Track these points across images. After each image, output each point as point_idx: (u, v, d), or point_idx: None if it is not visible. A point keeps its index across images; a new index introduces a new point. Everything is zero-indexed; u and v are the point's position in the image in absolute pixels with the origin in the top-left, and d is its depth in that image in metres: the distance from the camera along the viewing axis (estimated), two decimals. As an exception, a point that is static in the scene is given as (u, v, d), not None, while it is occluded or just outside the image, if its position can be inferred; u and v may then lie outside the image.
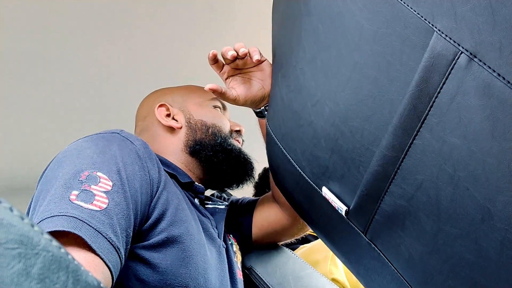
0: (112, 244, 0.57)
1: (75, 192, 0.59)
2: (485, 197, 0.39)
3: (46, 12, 1.32)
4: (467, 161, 0.40)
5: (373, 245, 0.56)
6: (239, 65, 0.88)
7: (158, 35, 1.50)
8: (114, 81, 1.69)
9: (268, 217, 1.06)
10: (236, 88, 0.88)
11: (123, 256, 0.60)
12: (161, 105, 1.00)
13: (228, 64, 0.88)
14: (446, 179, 0.42)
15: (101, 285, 0.26)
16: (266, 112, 0.90)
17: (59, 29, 1.40)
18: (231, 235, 1.03)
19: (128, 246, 0.64)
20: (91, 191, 0.60)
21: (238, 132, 1.05)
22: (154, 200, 0.73)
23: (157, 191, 0.74)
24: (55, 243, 0.23)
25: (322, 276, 1.03)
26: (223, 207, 0.99)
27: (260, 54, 0.85)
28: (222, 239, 0.90)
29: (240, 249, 1.05)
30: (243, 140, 1.07)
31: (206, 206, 0.96)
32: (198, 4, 1.38)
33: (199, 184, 0.95)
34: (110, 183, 0.63)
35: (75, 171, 0.63)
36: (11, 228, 0.21)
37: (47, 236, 0.23)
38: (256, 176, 1.04)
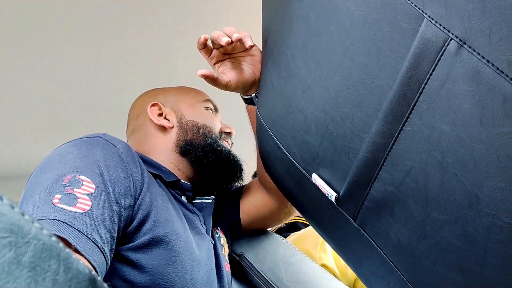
0: (96, 245, 0.57)
1: (58, 196, 0.59)
2: (473, 182, 0.39)
3: (42, 7, 1.30)
4: (456, 147, 0.40)
5: (363, 231, 0.57)
6: (228, 50, 0.87)
7: (154, 32, 1.49)
8: (109, 77, 1.68)
9: (255, 202, 1.07)
10: (226, 73, 0.87)
11: (108, 257, 0.61)
12: (153, 104, 1.00)
13: (217, 49, 0.88)
14: (435, 165, 0.42)
15: (92, 272, 0.26)
16: (256, 99, 0.89)
17: (55, 25, 1.38)
18: (218, 228, 1.04)
19: (113, 247, 0.64)
20: (74, 194, 0.60)
21: (228, 134, 1.06)
22: (137, 202, 0.73)
23: (140, 193, 0.75)
24: (45, 231, 0.23)
25: (312, 261, 1.04)
26: (210, 201, 1.00)
27: (251, 39, 0.84)
28: (210, 235, 0.91)
29: (228, 241, 1.06)
30: (232, 143, 1.08)
31: (193, 201, 0.97)
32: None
33: (185, 182, 0.95)
34: (93, 186, 0.64)
35: (57, 175, 0.63)
36: (1, 217, 0.21)
37: (38, 225, 0.23)
38: (245, 178, 1.04)
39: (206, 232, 0.90)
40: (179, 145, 0.96)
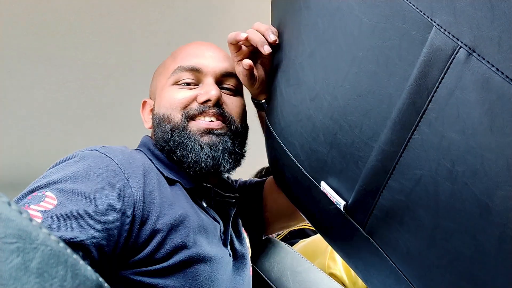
0: None
1: None
2: (484, 192, 0.39)
3: (46, 9, 1.32)
4: (466, 156, 0.40)
5: (372, 240, 0.56)
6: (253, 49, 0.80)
7: (158, 32, 1.50)
8: (113, 78, 1.68)
9: (277, 199, 1.00)
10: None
11: None
12: (143, 104, 0.93)
13: (246, 46, 0.80)
14: (445, 174, 0.42)
15: (99, 279, 0.26)
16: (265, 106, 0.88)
17: (58, 26, 1.39)
18: (243, 228, 0.97)
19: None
20: (26, 212, 0.57)
21: (206, 103, 0.82)
22: (142, 218, 0.68)
23: (143, 209, 0.68)
24: (53, 237, 0.23)
25: (320, 270, 1.04)
26: (233, 201, 0.92)
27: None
28: (229, 246, 0.84)
29: (250, 242, 1.00)
30: (216, 112, 0.82)
31: (217, 199, 0.89)
32: (197, 1, 1.38)
33: (207, 185, 0.85)
34: (55, 202, 0.58)
35: (27, 191, 0.61)
36: (10, 222, 0.21)
37: (46, 231, 0.23)
38: (230, 160, 0.84)
39: (224, 243, 0.83)
40: (156, 144, 0.84)
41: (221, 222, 0.85)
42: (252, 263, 1.03)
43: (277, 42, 0.72)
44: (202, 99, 0.81)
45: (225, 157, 0.81)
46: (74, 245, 0.56)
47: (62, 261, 0.23)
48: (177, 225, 0.72)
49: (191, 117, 0.82)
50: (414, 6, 0.43)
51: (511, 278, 0.39)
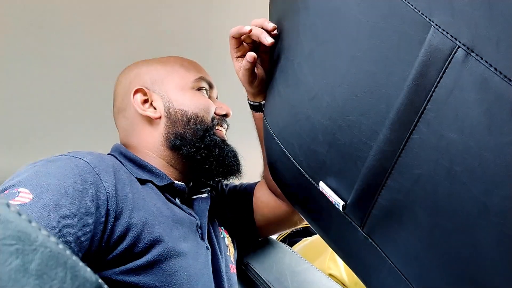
0: None
1: None
2: (482, 191, 0.39)
3: (45, 8, 1.32)
4: (464, 156, 0.40)
5: (370, 240, 0.56)
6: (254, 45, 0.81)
7: (157, 29, 1.49)
8: (113, 78, 1.68)
9: (268, 204, 1.02)
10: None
11: None
12: (137, 91, 0.91)
13: (247, 43, 0.81)
14: (443, 174, 0.42)
15: (99, 280, 0.26)
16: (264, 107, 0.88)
17: (57, 25, 1.39)
18: (222, 228, 0.99)
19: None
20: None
21: (224, 116, 0.95)
22: (116, 217, 0.69)
23: (116, 207, 0.70)
24: (52, 239, 0.23)
25: (319, 270, 1.04)
26: (205, 195, 0.94)
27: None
28: (206, 240, 0.86)
29: (233, 241, 1.01)
30: (228, 126, 0.97)
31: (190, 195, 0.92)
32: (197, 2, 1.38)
33: (179, 183, 0.88)
34: (31, 196, 0.59)
35: None
36: (9, 224, 0.21)
37: (45, 232, 0.23)
38: (243, 171, 0.96)
39: (202, 237, 0.85)
40: (168, 139, 0.88)
41: (197, 217, 0.87)
42: (250, 263, 1.03)
43: (275, 30, 0.73)
44: (222, 112, 0.94)
45: (239, 163, 0.94)
46: (54, 235, 0.57)
47: (62, 263, 0.23)
48: (152, 220, 0.74)
49: (215, 125, 0.92)
50: (412, 6, 0.43)
51: (510, 278, 0.39)
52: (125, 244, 0.68)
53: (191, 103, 0.91)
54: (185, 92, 0.92)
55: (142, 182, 0.82)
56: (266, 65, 0.82)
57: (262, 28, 0.75)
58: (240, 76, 0.82)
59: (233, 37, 0.79)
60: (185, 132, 0.88)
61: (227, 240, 0.98)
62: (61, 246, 0.24)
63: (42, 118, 1.83)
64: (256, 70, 0.81)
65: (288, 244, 1.29)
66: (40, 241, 0.22)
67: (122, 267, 0.68)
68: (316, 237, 1.39)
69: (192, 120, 0.89)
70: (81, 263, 0.24)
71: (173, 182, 0.87)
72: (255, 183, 1.08)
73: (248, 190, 1.07)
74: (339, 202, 0.58)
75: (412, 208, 0.47)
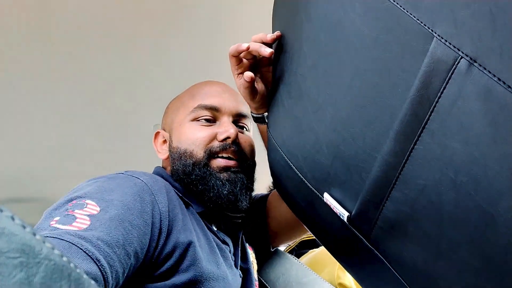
0: (89, 255, 0.54)
1: (56, 218, 0.59)
2: (488, 202, 0.39)
3: (52, 22, 1.33)
4: (469, 166, 0.39)
5: (376, 251, 0.56)
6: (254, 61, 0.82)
7: (165, 45, 1.51)
8: (121, 91, 1.68)
9: (281, 212, 1.02)
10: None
11: (113, 272, 0.57)
12: (156, 134, 0.98)
13: (247, 59, 0.81)
14: (448, 184, 0.42)
15: (103, 293, 0.25)
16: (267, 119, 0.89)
17: (64, 39, 1.40)
18: (247, 244, 1.01)
19: (126, 268, 0.61)
20: (73, 215, 0.59)
21: (225, 140, 0.88)
22: (166, 235, 0.72)
23: (168, 226, 0.73)
24: (57, 251, 0.23)
25: (326, 282, 1.03)
26: (239, 221, 0.96)
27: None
28: (239, 267, 0.89)
29: (257, 255, 1.04)
30: (234, 150, 0.89)
31: (226, 221, 0.94)
32: (203, 12, 1.39)
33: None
34: (98, 208, 0.62)
35: (64, 201, 0.64)
36: (13, 237, 0.21)
37: (49, 245, 0.23)
38: (246, 196, 0.90)
39: (235, 265, 0.88)
40: (174, 175, 0.91)
41: (230, 244, 0.90)
42: (258, 274, 1.03)
43: (276, 36, 0.74)
44: (222, 137, 0.88)
45: (242, 193, 0.88)
46: (119, 247, 0.60)
47: (66, 275, 0.23)
48: (195, 241, 0.76)
49: (213, 154, 0.88)
50: (415, 17, 0.43)
51: (518, 289, 0.38)
52: (171, 261, 0.71)
53: (184, 138, 0.90)
54: (183, 126, 0.92)
55: (186, 204, 0.85)
56: (268, 79, 0.83)
57: (262, 42, 0.76)
58: (241, 92, 0.84)
59: (232, 55, 0.80)
60: (178, 169, 0.89)
61: (252, 256, 1.00)
62: (65, 258, 0.24)
63: (49, 131, 1.84)
64: (256, 85, 0.83)
65: (296, 256, 1.28)
66: (44, 254, 0.22)
67: (167, 282, 0.71)
68: (323, 248, 1.38)
69: (182, 156, 0.89)
70: (85, 276, 0.24)
71: (210, 208, 0.88)
72: (269, 193, 1.10)
73: (262, 200, 1.09)
74: (344, 213, 0.58)
75: (418, 219, 0.47)
